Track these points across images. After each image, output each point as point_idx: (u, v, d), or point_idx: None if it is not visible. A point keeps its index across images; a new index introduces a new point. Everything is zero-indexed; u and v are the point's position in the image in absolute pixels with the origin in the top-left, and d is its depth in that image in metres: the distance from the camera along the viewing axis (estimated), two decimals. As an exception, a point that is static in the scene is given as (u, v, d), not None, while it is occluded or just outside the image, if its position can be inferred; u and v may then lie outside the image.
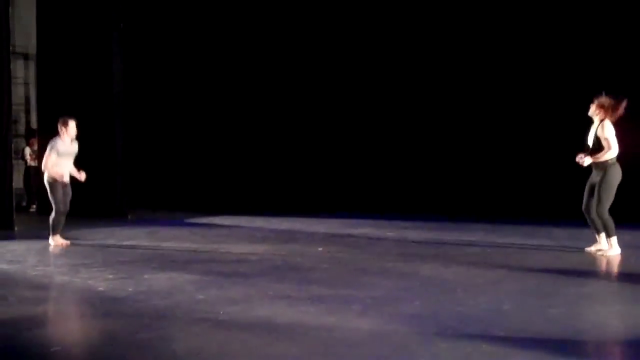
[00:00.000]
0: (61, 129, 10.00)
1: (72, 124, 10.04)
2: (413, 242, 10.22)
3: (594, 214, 8.36)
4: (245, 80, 15.66)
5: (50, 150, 9.91)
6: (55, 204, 9.99)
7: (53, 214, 10.04)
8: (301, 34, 15.09)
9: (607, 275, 7.34)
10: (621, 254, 8.37)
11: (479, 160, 13.50)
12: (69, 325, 5.70)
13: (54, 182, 9.93)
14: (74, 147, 10.12)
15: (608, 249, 8.41)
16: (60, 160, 9.92)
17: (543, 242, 9.53)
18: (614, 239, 8.38)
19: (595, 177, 8.37)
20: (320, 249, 9.59)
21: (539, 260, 8.36)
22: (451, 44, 13.74)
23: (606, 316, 5.74)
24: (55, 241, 10.03)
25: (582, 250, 8.67)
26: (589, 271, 7.68)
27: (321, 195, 14.70)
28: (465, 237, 10.36)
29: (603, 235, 8.43)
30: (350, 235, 10.95)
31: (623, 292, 6.55)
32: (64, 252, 9.57)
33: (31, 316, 6.03)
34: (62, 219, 10.12)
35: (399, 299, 6.36)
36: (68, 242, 10.13)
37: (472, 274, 7.51)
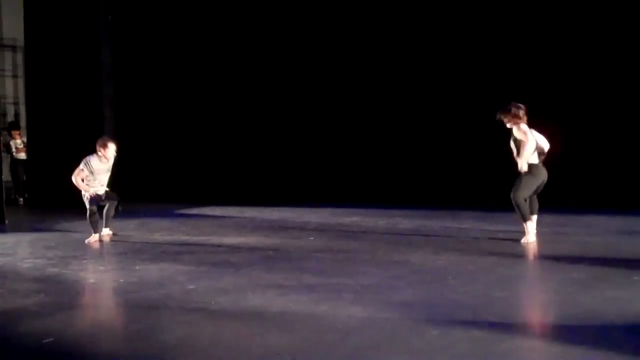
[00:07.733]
0: (99, 150, 9.64)
1: (111, 148, 9.69)
2: (404, 230, 10.23)
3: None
4: (234, 70, 15.61)
5: (84, 165, 9.56)
6: (90, 208, 9.73)
7: (88, 214, 9.75)
8: (290, 24, 15.05)
9: (597, 260, 7.36)
10: (612, 239, 8.41)
11: (469, 148, 13.50)
12: (60, 317, 5.70)
13: (86, 193, 9.70)
14: (109, 164, 9.81)
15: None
16: (96, 176, 9.65)
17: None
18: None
19: None
20: (311, 238, 9.60)
21: (530, 246, 8.39)
22: (440, 38, 13.74)
23: (598, 301, 5.76)
24: (94, 237, 9.76)
25: (570, 235, 8.72)
26: (579, 257, 7.71)
27: (312, 185, 14.68)
28: (455, 225, 10.38)
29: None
30: (341, 224, 10.96)
31: (614, 278, 6.57)
32: (55, 244, 9.54)
33: (23, 308, 6.03)
34: (112, 211, 9.96)
35: (390, 287, 6.38)
36: (110, 232, 10.03)
37: (463, 261, 7.53)
